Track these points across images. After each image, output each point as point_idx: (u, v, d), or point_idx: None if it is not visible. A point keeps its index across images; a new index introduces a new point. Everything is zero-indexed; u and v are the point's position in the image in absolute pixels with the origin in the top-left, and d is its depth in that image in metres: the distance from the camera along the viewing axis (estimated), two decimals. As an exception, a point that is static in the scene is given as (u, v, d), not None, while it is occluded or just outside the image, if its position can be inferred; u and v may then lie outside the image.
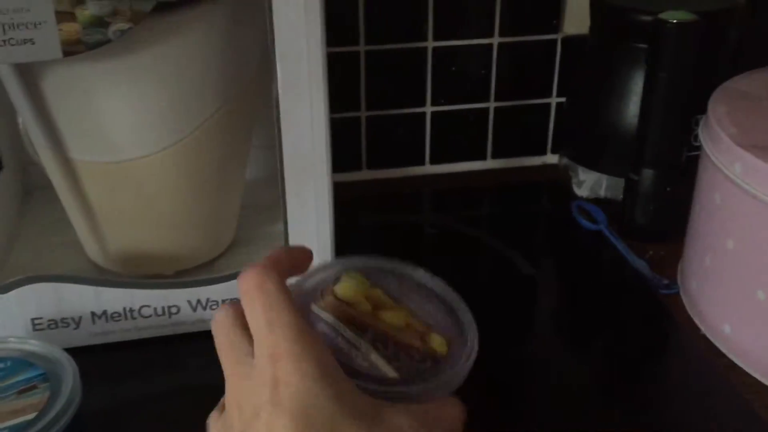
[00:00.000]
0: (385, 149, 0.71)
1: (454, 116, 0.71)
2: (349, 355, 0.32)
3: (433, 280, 0.38)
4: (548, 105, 0.72)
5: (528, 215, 0.68)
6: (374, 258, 0.37)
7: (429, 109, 0.70)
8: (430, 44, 0.67)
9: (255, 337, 0.30)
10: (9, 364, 0.40)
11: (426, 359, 0.34)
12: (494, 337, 0.43)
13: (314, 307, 0.34)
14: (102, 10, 0.39)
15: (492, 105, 0.71)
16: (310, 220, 0.47)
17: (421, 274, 0.38)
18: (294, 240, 0.48)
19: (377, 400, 0.31)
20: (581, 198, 0.67)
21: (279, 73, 0.43)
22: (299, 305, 0.32)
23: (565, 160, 0.70)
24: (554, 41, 0.69)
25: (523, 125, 0.72)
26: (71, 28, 0.39)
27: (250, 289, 0.31)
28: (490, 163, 0.73)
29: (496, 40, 0.68)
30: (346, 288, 0.35)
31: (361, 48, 0.67)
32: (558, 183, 0.70)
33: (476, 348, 0.34)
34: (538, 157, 0.74)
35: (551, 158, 0.74)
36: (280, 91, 0.43)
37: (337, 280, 0.35)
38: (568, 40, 0.69)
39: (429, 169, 0.73)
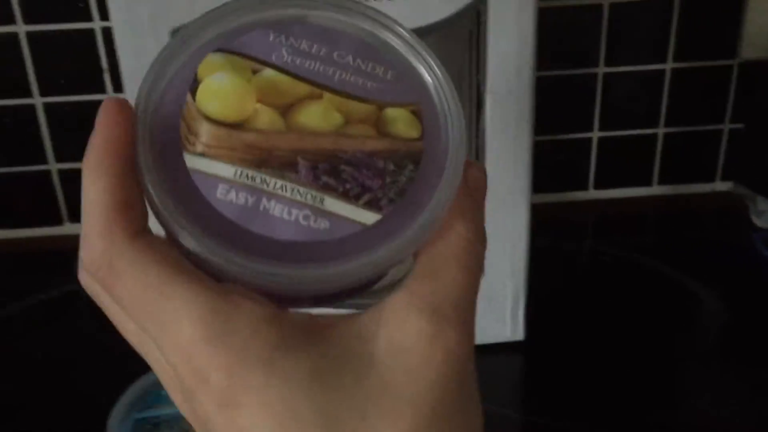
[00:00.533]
0: (545, 174, 0.71)
1: (621, 141, 0.70)
2: (287, 222, 0.22)
3: (351, 17, 0.24)
4: (720, 131, 0.70)
5: (703, 244, 0.66)
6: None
7: (596, 134, 0.70)
8: (601, 70, 0.67)
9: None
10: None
11: (401, 161, 0.23)
12: (688, 384, 0.43)
13: (187, 159, 0.22)
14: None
15: (661, 131, 0.70)
16: (506, 250, 0.48)
17: (328, 14, 0.24)
18: (490, 268, 0.49)
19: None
20: (761, 229, 0.65)
21: (488, 107, 0.44)
22: (157, 178, 0.21)
23: (741, 188, 0.68)
24: (730, 66, 0.67)
25: (692, 151, 0.71)
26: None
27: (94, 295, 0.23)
28: (656, 189, 0.72)
29: (669, 66, 0.67)
30: (216, 94, 0.23)
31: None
32: (732, 211, 0.68)
33: (461, 121, 0.24)
34: (708, 183, 0.72)
35: (721, 185, 0.72)
36: (487, 123, 0.44)
37: (194, 82, 0.23)
38: (745, 65, 0.67)
39: (592, 194, 0.72)
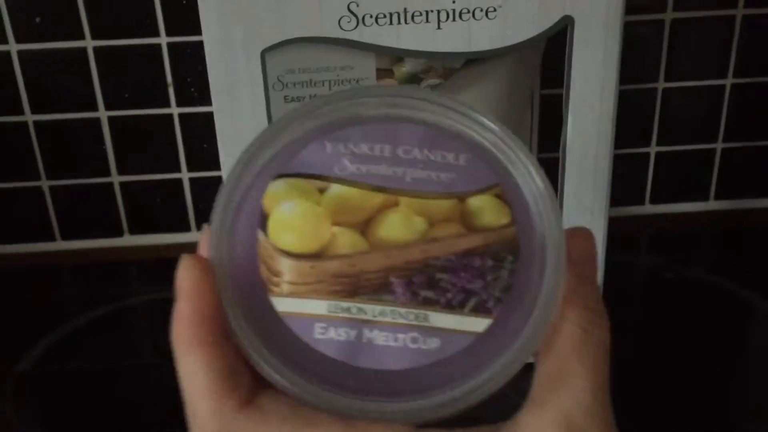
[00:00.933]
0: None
1: (679, 156, 0.70)
2: (396, 350, 0.21)
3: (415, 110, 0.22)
4: (780, 146, 0.70)
5: (762, 260, 0.66)
6: (287, 118, 0.22)
7: (654, 149, 0.70)
8: (661, 85, 0.67)
9: None
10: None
11: (498, 255, 0.22)
12: (749, 400, 0.42)
13: (276, 302, 0.21)
14: (417, 67, 0.42)
15: (719, 146, 0.70)
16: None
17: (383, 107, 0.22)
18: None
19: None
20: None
21: (570, 125, 0.44)
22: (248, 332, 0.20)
23: (802, 204, 0.67)
24: (792, 81, 0.67)
25: (749, 166, 0.71)
26: (389, 84, 0.41)
27: None
28: (712, 204, 0.72)
29: (729, 81, 0.67)
30: (288, 226, 0.21)
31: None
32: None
33: (551, 193, 0.22)
34: (765, 199, 0.71)
35: (780, 201, 0.71)
36: (568, 140, 0.44)
37: (262, 216, 0.22)
38: (807, 81, 0.67)
39: (649, 209, 0.72)
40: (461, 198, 0.22)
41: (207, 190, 0.67)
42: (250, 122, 0.42)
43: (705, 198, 0.72)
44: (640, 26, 0.65)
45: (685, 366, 0.53)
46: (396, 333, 0.21)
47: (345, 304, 0.21)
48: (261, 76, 0.41)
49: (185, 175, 0.67)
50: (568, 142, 0.44)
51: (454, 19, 0.40)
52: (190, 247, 0.74)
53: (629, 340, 0.56)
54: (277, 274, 0.21)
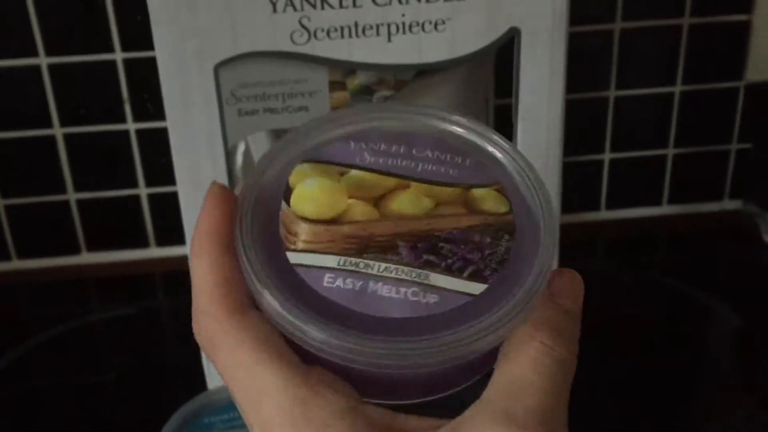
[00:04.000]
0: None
1: (632, 163, 0.72)
2: (398, 300, 0.22)
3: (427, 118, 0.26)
4: (728, 151, 0.72)
5: (714, 263, 0.68)
6: (323, 119, 0.26)
7: (608, 156, 0.71)
8: (612, 93, 0.69)
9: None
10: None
11: (496, 233, 0.24)
12: (702, 400, 0.44)
13: (290, 256, 0.23)
14: (369, 79, 0.42)
15: (670, 152, 0.71)
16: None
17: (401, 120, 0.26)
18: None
19: None
20: (773, 246, 0.66)
21: (519, 132, 0.45)
22: (261, 276, 0.22)
23: (750, 207, 0.69)
24: (737, 88, 0.69)
25: (701, 171, 0.72)
26: (341, 96, 0.42)
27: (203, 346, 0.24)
28: (666, 209, 0.73)
29: (678, 88, 0.69)
30: (309, 197, 0.24)
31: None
32: (742, 230, 0.69)
33: (548, 194, 0.25)
34: (717, 202, 0.73)
35: (730, 204, 0.73)
36: (519, 147, 0.45)
37: (287, 190, 0.24)
38: (751, 87, 0.69)
39: (604, 215, 0.73)
40: (466, 188, 0.24)
41: (165, 206, 0.67)
42: (204, 137, 0.42)
43: (658, 203, 0.73)
44: (590, 36, 0.66)
45: (643, 368, 0.54)
46: (399, 287, 0.23)
47: (354, 260, 0.23)
48: (214, 90, 0.41)
49: (143, 191, 0.66)
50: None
51: (404, 32, 0.41)
52: (149, 264, 0.73)
53: (587, 345, 0.57)
54: (294, 234, 0.23)
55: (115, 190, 0.66)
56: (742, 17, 0.66)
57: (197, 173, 0.43)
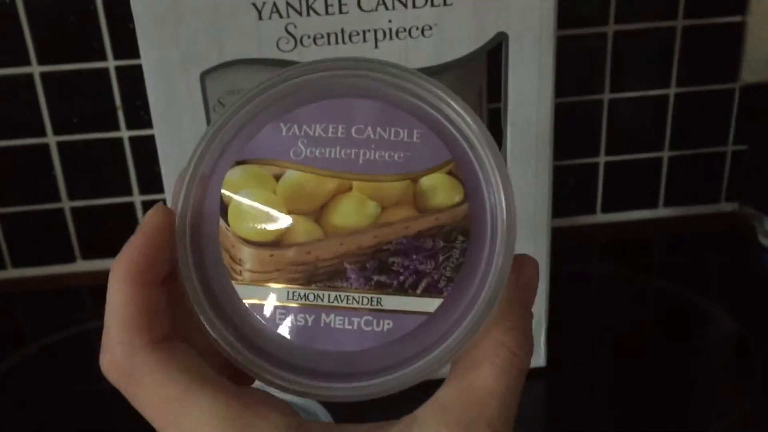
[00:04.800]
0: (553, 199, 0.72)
1: (627, 166, 0.71)
2: (351, 332, 0.22)
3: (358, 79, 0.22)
4: (724, 153, 0.71)
5: (711, 265, 0.67)
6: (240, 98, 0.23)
7: (603, 159, 0.71)
8: (606, 96, 0.68)
9: None
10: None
11: (449, 235, 0.22)
12: (703, 402, 0.43)
13: (238, 289, 0.22)
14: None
15: (666, 154, 0.71)
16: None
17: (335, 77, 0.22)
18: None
19: None
20: (769, 248, 0.66)
21: (508, 137, 0.44)
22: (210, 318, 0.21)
23: (746, 209, 0.69)
24: (732, 90, 0.69)
25: (696, 173, 0.72)
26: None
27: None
28: (662, 212, 0.73)
29: (672, 90, 0.69)
30: (247, 215, 0.22)
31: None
32: (738, 232, 0.69)
33: (503, 169, 0.22)
34: (713, 205, 0.73)
35: (726, 206, 0.73)
36: (508, 154, 0.45)
37: (222, 204, 0.22)
38: (746, 89, 0.69)
39: (600, 218, 0.73)
40: (414, 179, 0.22)
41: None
42: (191, 145, 0.42)
43: (654, 206, 0.73)
44: (584, 39, 0.66)
45: (639, 372, 0.54)
46: (351, 316, 0.22)
47: (303, 291, 0.22)
48: (201, 98, 0.41)
49: (137, 198, 0.66)
50: (507, 155, 0.45)
51: (390, 38, 0.41)
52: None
53: (583, 348, 0.57)
54: (238, 261, 0.22)
55: (110, 198, 0.66)
56: (736, 18, 0.66)
57: (185, 181, 0.43)
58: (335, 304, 0.22)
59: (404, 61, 0.41)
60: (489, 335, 0.22)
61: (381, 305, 0.22)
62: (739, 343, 0.57)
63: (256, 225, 0.22)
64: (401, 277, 0.22)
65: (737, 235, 0.69)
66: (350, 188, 0.22)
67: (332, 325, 0.22)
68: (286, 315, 0.22)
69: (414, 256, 0.22)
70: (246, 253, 0.22)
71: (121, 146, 0.64)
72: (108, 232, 0.67)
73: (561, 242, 0.70)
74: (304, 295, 0.22)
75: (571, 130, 0.70)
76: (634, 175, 0.72)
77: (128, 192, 0.66)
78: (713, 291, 0.62)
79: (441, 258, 0.22)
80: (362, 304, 0.22)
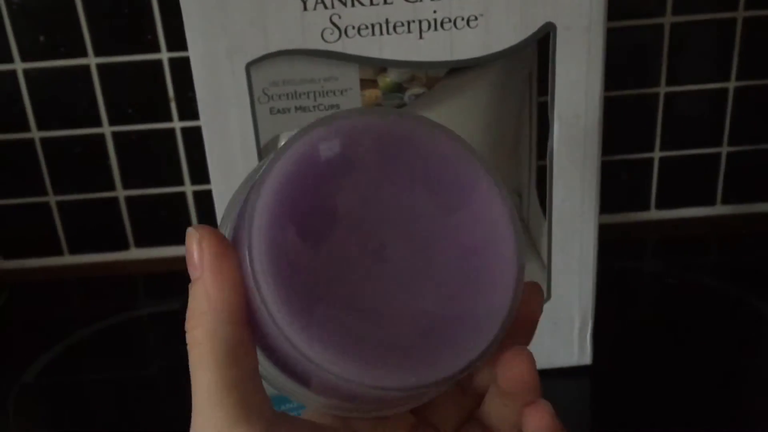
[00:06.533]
0: (606, 195, 0.71)
1: (684, 161, 0.69)
2: None
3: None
4: (786, 149, 0.69)
5: (769, 265, 0.65)
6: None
7: (658, 154, 0.69)
8: (663, 89, 0.67)
9: None
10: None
11: None
12: (758, 407, 0.41)
13: None
14: (401, 76, 0.42)
15: (724, 150, 0.69)
16: (573, 273, 0.48)
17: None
18: (558, 292, 0.48)
19: None
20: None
21: (555, 131, 0.44)
22: None
23: (809, 208, 0.66)
24: (796, 83, 0.66)
25: (756, 170, 0.70)
26: (372, 94, 0.42)
27: None
28: (719, 209, 0.71)
29: (732, 84, 0.66)
30: None
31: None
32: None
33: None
34: (774, 202, 0.71)
35: (788, 204, 0.70)
36: (555, 147, 0.44)
37: None
38: (811, 82, 0.66)
39: (654, 214, 0.71)
40: None
41: (211, 202, 0.67)
42: (237, 135, 0.42)
43: (712, 203, 0.71)
44: (640, 31, 0.65)
45: (686, 374, 0.52)
46: None
47: None
48: (246, 89, 0.41)
49: (188, 188, 0.67)
50: (555, 149, 0.44)
51: (435, 29, 0.40)
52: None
53: (630, 346, 0.56)
54: None
55: (162, 188, 0.67)
56: (801, 9, 0.64)
57: (230, 171, 0.43)
58: None
59: (449, 53, 0.41)
60: None
61: None
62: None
63: None
64: None
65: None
66: None
67: None
68: None
69: None
70: None
71: (173, 137, 0.65)
72: (160, 221, 0.69)
73: (613, 238, 0.69)
74: None
75: (625, 124, 0.68)
76: (690, 171, 0.70)
77: (180, 182, 0.67)
78: (770, 291, 0.60)
79: None
80: None
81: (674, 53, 0.65)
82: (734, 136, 0.68)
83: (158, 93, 0.64)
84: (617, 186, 0.70)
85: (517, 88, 0.50)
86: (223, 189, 0.44)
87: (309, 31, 0.40)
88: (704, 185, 0.70)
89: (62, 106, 0.64)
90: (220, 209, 0.44)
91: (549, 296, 0.48)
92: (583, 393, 0.52)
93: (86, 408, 0.54)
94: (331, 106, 0.42)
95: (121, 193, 0.67)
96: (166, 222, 0.69)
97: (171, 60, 0.63)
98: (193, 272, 0.22)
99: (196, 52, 0.40)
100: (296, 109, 0.42)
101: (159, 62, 0.63)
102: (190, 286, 0.22)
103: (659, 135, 0.68)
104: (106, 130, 0.65)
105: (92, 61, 0.63)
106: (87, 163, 0.66)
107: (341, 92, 0.41)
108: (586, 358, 0.51)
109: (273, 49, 0.40)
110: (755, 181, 0.70)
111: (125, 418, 0.52)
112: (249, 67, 0.41)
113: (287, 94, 0.42)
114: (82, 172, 0.67)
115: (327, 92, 0.41)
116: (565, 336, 0.50)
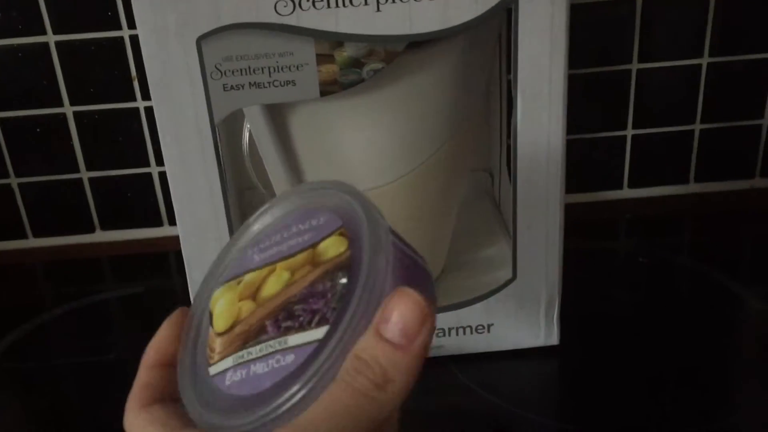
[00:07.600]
0: (578, 174, 0.70)
1: (656, 139, 0.69)
2: (266, 374, 0.27)
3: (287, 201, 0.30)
4: (759, 126, 0.68)
5: (742, 243, 0.65)
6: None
7: (630, 132, 0.68)
8: (635, 66, 0.66)
9: None
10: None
11: (334, 275, 0.27)
12: (728, 388, 0.41)
13: (210, 369, 0.28)
14: (358, 51, 0.41)
15: (697, 127, 0.68)
16: (539, 253, 0.47)
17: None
18: (524, 272, 0.48)
19: None
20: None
21: (519, 108, 0.43)
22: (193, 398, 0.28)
23: (782, 185, 0.66)
24: (767, 60, 0.66)
25: (730, 148, 0.69)
26: (329, 69, 0.41)
27: None
28: (692, 187, 0.70)
29: (705, 60, 0.66)
30: (219, 315, 0.29)
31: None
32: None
33: (387, 225, 0.28)
34: (746, 180, 0.70)
35: (760, 182, 0.70)
36: (519, 125, 0.43)
37: (210, 316, 0.30)
38: (784, 59, 0.65)
39: (626, 193, 0.71)
40: (314, 246, 0.28)
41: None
42: (190, 113, 0.41)
43: (685, 181, 0.70)
44: (612, 6, 0.64)
45: (656, 354, 0.52)
46: (268, 360, 0.27)
47: (241, 353, 0.27)
48: (198, 64, 0.40)
49: (155, 170, 0.66)
50: (518, 128, 0.43)
51: (393, 1, 0.39)
52: (162, 242, 0.73)
53: (604, 327, 0.55)
54: (213, 350, 0.29)
55: (127, 169, 0.66)
56: (775, -14, 0.63)
57: (184, 150, 0.42)
58: (259, 354, 0.27)
59: (408, 26, 0.40)
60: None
61: (287, 344, 0.26)
62: (766, 325, 0.55)
63: (223, 320, 0.29)
64: (301, 318, 0.27)
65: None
66: (275, 269, 0.29)
67: (258, 371, 0.27)
68: (232, 375, 0.27)
69: (310, 300, 0.27)
70: (217, 342, 0.29)
71: (137, 116, 0.64)
72: (126, 203, 0.67)
73: (585, 217, 0.68)
74: (242, 355, 0.27)
75: (597, 102, 0.67)
76: (663, 149, 0.69)
77: (146, 163, 0.66)
78: (744, 272, 0.60)
79: (329, 295, 0.27)
80: (275, 347, 0.27)
81: (646, 29, 0.64)
82: (707, 113, 0.68)
83: (120, 72, 0.62)
84: (589, 165, 0.69)
85: (484, 64, 0.49)
86: (177, 169, 0.42)
87: (262, 3, 0.39)
88: (677, 163, 0.70)
89: (21, 85, 0.63)
90: (175, 188, 0.43)
91: (515, 277, 0.48)
92: (550, 374, 0.52)
93: (51, 391, 0.53)
94: (287, 82, 0.40)
95: (85, 174, 0.66)
96: (132, 204, 0.67)
97: (132, 38, 0.61)
98: None
99: (144, 26, 0.39)
100: (251, 85, 0.41)
101: (120, 39, 0.61)
102: None
103: (631, 113, 0.67)
104: (68, 110, 0.64)
105: (51, 38, 0.61)
106: (49, 144, 0.65)
107: (297, 67, 0.40)
108: (553, 339, 0.51)
109: (225, 22, 0.39)
110: (728, 159, 0.70)
111: (91, 401, 0.51)
112: (200, 41, 0.39)
113: (241, 70, 0.40)
114: (44, 153, 0.65)
115: (282, 68, 0.40)
116: (531, 316, 0.49)
